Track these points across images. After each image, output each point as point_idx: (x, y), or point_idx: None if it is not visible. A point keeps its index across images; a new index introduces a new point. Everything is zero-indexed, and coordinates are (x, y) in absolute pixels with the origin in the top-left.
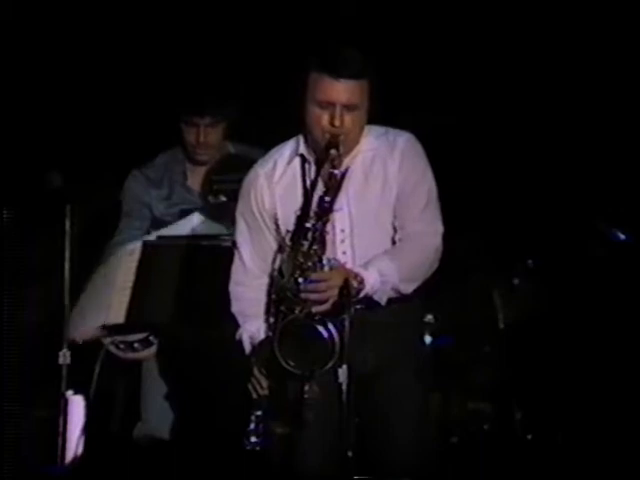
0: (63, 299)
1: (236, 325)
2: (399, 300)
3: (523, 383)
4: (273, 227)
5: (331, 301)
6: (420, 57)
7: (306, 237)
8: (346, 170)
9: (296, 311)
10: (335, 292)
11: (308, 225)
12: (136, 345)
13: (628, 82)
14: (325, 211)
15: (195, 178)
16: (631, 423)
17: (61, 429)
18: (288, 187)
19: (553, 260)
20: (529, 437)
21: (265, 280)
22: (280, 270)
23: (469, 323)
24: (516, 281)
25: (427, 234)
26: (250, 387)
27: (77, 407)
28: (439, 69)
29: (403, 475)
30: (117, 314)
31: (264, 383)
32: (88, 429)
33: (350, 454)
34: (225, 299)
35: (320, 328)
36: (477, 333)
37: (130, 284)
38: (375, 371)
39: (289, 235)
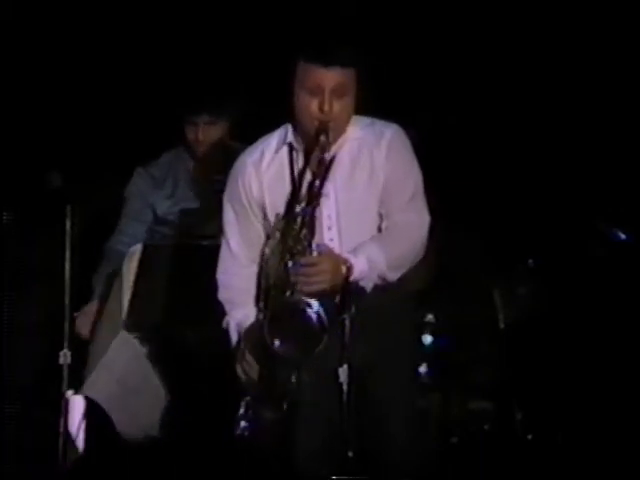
0: (63, 299)
1: (223, 313)
2: (394, 299)
3: (523, 383)
4: (261, 215)
5: (319, 287)
6: (420, 57)
7: (295, 221)
8: (333, 157)
9: (286, 295)
10: (324, 278)
11: (297, 209)
12: None
13: (628, 82)
14: (314, 195)
15: (199, 176)
16: (631, 423)
17: (61, 429)
18: (276, 176)
19: (553, 260)
20: (529, 437)
21: (253, 269)
22: (267, 258)
23: (469, 323)
24: (516, 281)
25: (415, 224)
26: (239, 371)
27: (77, 407)
28: (439, 69)
29: (403, 475)
30: None
31: (254, 367)
32: (88, 429)
33: (350, 454)
34: None
35: (309, 312)
36: (477, 333)
37: (131, 284)
38: (368, 371)
39: (279, 221)
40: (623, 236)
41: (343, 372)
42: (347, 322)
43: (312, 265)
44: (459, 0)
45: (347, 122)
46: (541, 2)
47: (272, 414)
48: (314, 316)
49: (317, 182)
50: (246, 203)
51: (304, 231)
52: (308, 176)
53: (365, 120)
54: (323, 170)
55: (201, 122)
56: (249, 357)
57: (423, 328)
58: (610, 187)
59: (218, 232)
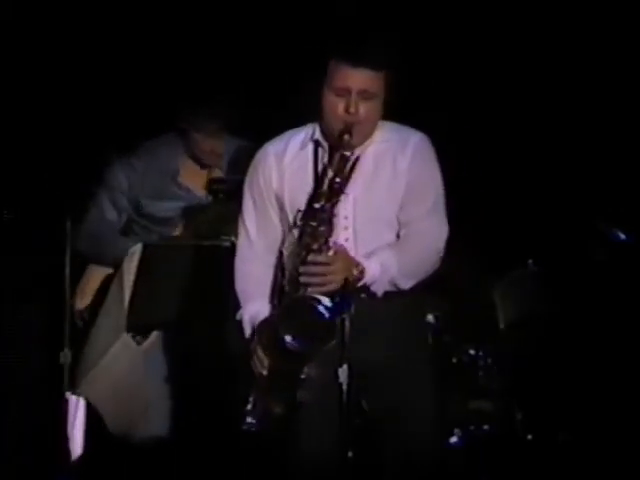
0: (64, 299)
1: (237, 305)
2: (402, 298)
3: (523, 383)
4: (277, 207)
5: (330, 287)
6: (419, 57)
7: (315, 218)
8: (357, 158)
9: (299, 292)
10: (335, 278)
11: (317, 206)
12: None
13: (628, 82)
14: (335, 193)
15: (187, 173)
16: (631, 423)
17: (61, 429)
18: (298, 170)
19: (553, 260)
20: (529, 437)
21: (270, 260)
22: (285, 255)
23: (469, 323)
24: (516, 281)
25: (432, 234)
26: (252, 365)
27: (77, 407)
28: (438, 68)
29: (404, 475)
30: None
31: (265, 362)
32: (88, 429)
33: (350, 454)
34: (225, 299)
35: (321, 308)
36: (477, 333)
37: (131, 284)
38: (374, 371)
39: (298, 215)
40: (623, 236)
41: (343, 372)
42: (347, 322)
43: (324, 265)
44: (470, 4)
45: (373, 126)
46: (541, 3)
47: (281, 410)
48: (326, 313)
49: (338, 179)
50: (264, 192)
51: (322, 228)
52: (330, 174)
53: (391, 125)
54: (346, 169)
55: (216, 133)
56: (260, 351)
57: (426, 329)
58: (610, 187)
59: (203, 230)
